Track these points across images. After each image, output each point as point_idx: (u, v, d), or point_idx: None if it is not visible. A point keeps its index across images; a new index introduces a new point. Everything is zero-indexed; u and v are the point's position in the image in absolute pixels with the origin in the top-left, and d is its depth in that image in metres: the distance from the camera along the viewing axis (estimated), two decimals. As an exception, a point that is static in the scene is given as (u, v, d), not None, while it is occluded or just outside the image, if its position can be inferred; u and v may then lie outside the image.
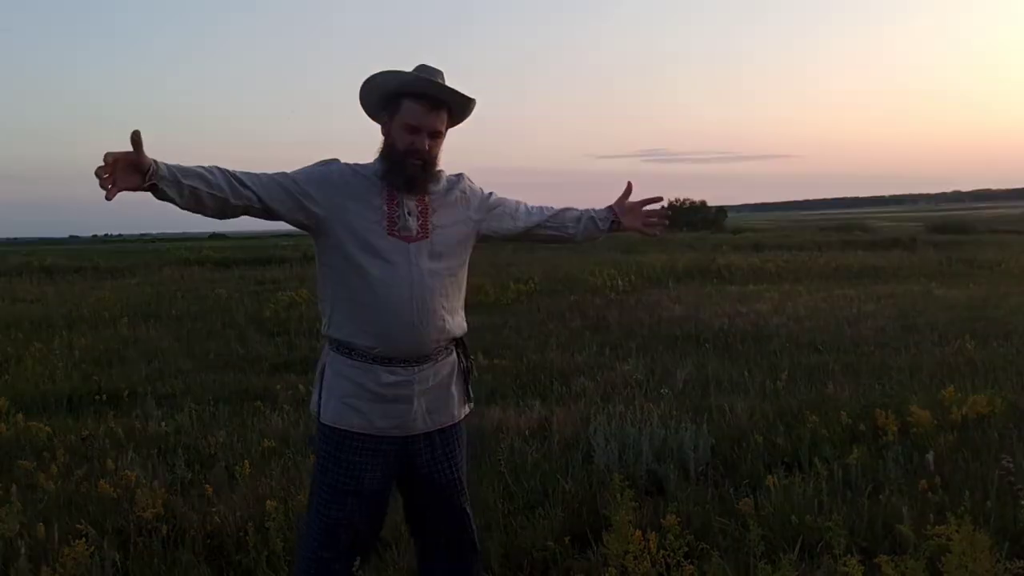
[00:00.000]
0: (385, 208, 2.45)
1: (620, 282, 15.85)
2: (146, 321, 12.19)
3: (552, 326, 10.79)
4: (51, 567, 3.22)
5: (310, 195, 2.41)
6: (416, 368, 2.47)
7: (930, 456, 4.44)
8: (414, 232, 2.46)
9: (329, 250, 2.48)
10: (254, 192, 2.33)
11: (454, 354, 2.61)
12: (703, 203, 79.65)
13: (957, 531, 2.63)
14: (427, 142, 2.45)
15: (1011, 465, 3.96)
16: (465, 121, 2.63)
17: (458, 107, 2.53)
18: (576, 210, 2.81)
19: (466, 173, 2.69)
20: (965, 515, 2.79)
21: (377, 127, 2.55)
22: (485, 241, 2.72)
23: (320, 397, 2.52)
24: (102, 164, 1.99)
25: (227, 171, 2.31)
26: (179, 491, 4.30)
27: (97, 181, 1.99)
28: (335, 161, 2.53)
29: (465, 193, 2.62)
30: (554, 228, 2.77)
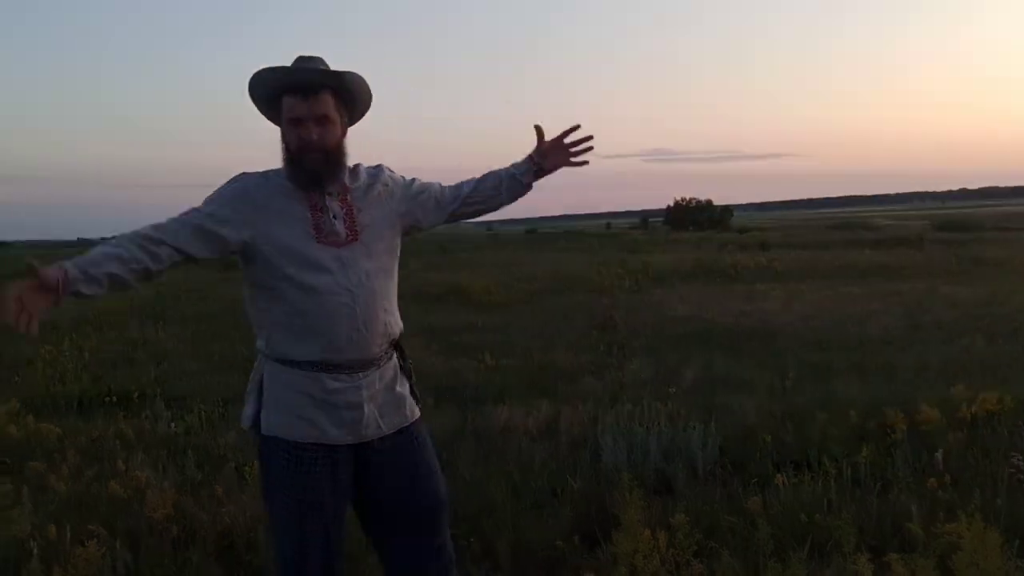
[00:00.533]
0: (309, 215, 2.35)
1: (626, 281, 15.86)
2: (153, 323, 12.22)
3: (558, 326, 10.81)
4: (63, 567, 3.23)
5: (228, 220, 2.30)
6: (361, 374, 2.39)
7: (939, 454, 4.43)
8: (343, 236, 2.36)
9: (260, 272, 2.37)
10: (170, 246, 2.23)
11: (394, 356, 2.53)
12: (708, 202, 79.62)
13: (968, 529, 2.63)
14: (315, 130, 2.32)
15: (1021, 463, 3.95)
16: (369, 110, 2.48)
17: (342, 88, 2.39)
18: (495, 173, 2.63)
19: (385, 164, 2.57)
20: (976, 513, 2.79)
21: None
22: (411, 234, 2.59)
23: (260, 410, 2.42)
24: (9, 307, 1.92)
25: (138, 235, 2.21)
26: (189, 492, 4.31)
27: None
28: (245, 175, 2.43)
29: (388, 185, 2.51)
30: (479, 201, 2.63)
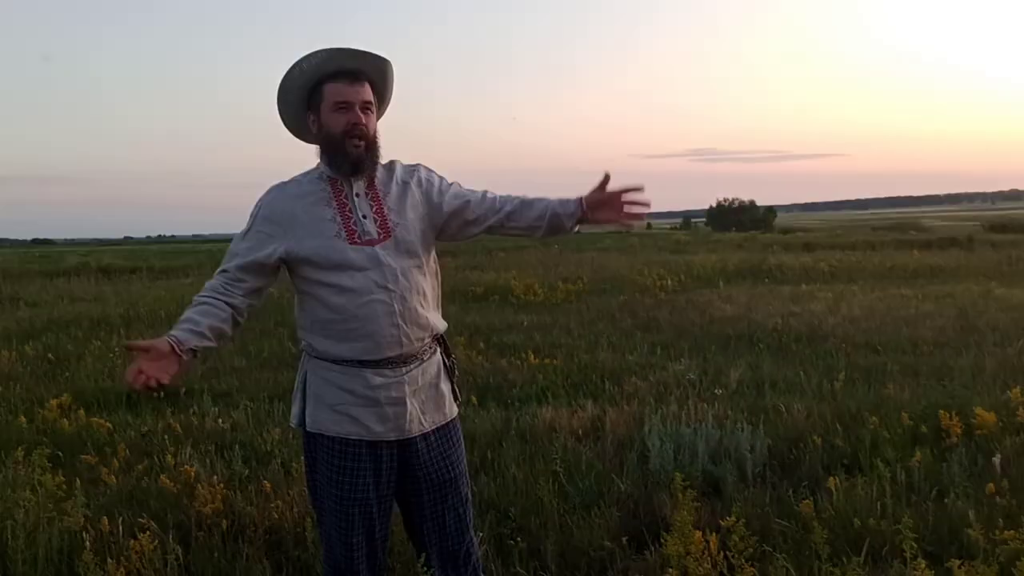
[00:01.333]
0: (339, 218, 2.39)
1: (670, 282, 15.72)
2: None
3: (602, 326, 10.74)
4: (116, 560, 3.27)
5: (260, 246, 2.41)
6: (404, 369, 2.42)
7: (997, 459, 4.33)
8: (376, 235, 2.39)
9: (299, 280, 2.46)
10: (250, 283, 2.43)
11: (438, 352, 2.55)
12: (752, 203, 78.97)
13: (1034, 536, 2.55)
14: (361, 116, 2.38)
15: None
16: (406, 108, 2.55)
17: (377, 76, 2.44)
18: (542, 202, 2.47)
19: (423, 164, 2.57)
20: (1041, 519, 2.70)
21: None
22: (443, 239, 2.56)
23: (305, 408, 2.46)
24: (130, 376, 2.21)
25: (218, 284, 2.39)
26: (237, 487, 4.34)
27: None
28: (272, 190, 2.49)
29: (421, 186, 2.51)
30: (521, 227, 2.50)
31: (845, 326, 9.96)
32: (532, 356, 8.16)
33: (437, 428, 2.52)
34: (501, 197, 2.53)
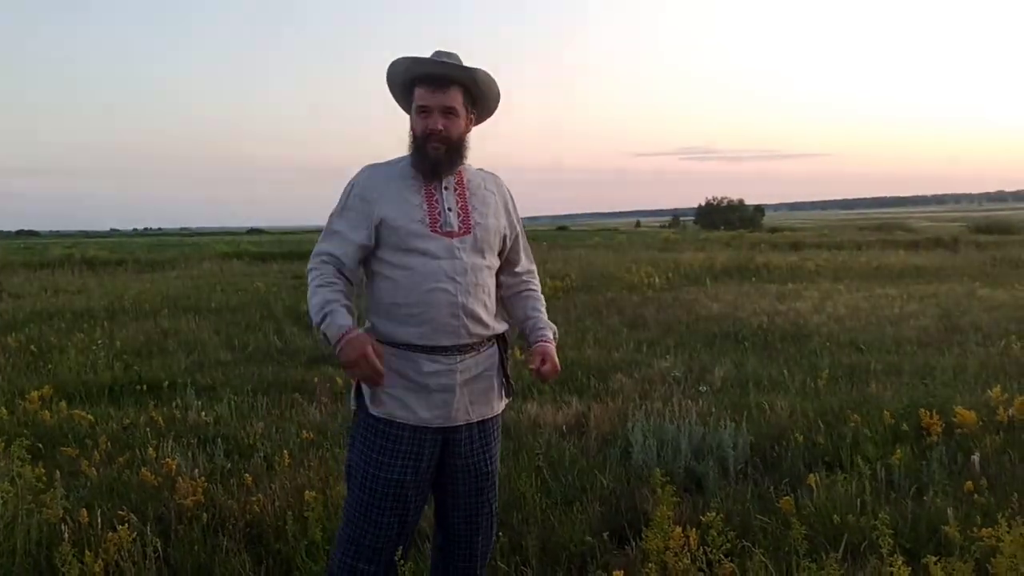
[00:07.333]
0: (425, 206, 2.46)
1: (657, 279, 15.75)
2: (186, 313, 12.33)
3: (589, 323, 10.75)
4: (94, 551, 3.25)
5: (366, 215, 2.45)
6: (458, 357, 2.46)
7: (976, 457, 4.36)
8: (456, 228, 2.46)
9: (376, 261, 2.50)
10: (354, 276, 2.49)
11: (496, 347, 2.60)
12: (740, 202, 79.26)
13: (1008, 532, 2.57)
14: (440, 121, 2.44)
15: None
16: (494, 111, 2.61)
17: (472, 84, 2.49)
18: (535, 312, 2.70)
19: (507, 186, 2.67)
20: (1017, 517, 2.72)
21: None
22: None
23: (362, 388, 2.50)
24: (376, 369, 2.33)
25: (333, 272, 2.45)
26: (219, 480, 4.33)
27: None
28: (364, 170, 2.55)
29: (508, 205, 2.63)
30: (506, 300, 2.70)
31: (830, 325, 10.01)
32: (517, 352, 8.15)
33: (482, 421, 2.56)
34: (525, 273, 2.72)
